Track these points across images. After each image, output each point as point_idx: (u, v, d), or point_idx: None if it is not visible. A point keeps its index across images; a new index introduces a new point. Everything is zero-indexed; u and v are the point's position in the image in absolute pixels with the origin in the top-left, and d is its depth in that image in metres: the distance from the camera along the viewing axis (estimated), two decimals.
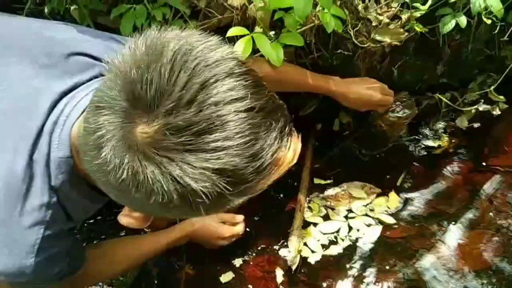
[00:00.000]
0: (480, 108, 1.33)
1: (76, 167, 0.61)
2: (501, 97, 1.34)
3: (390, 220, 1.19)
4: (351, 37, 1.15)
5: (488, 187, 1.23)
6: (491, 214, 1.18)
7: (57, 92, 0.62)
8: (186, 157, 0.42)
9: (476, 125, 1.34)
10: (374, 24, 1.17)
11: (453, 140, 1.32)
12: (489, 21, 1.09)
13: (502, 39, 1.19)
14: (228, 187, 0.44)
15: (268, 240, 1.20)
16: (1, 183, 0.59)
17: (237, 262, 1.15)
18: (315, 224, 1.20)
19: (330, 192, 1.26)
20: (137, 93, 0.43)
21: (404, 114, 1.18)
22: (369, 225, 1.18)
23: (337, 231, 1.18)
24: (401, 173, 1.28)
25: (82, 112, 0.59)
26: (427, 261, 1.10)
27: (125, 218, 0.55)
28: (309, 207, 1.24)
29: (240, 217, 1.13)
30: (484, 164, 1.28)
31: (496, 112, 1.33)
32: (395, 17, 1.18)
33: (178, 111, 0.42)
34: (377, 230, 1.17)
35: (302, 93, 1.37)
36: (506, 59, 1.34)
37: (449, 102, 1.33)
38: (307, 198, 1.25)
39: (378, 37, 1.19)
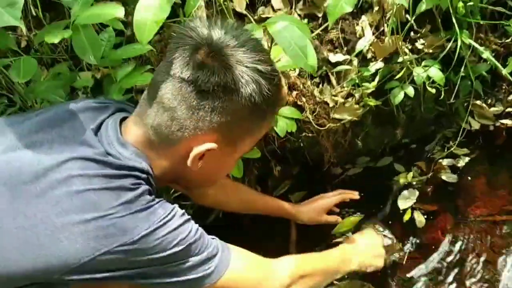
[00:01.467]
0: (444, 163, 1.40)
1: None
2: (464, 149, 1.41)
3: None
4: (311, 122, 1.23)
5: (467, 238, 1.27)
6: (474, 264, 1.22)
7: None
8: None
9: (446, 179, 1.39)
10: (331, 105, 1.25)
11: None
12: (433, 90, 1.19)
13: (449, 102, 1.29)
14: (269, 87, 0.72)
15: None
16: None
17: None
18: None
19: None
20: None
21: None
22: None
23: None
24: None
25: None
26: None
27: None
28: None
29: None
30: (460, 216, 1.32)
31: (461, 164, 1.39)
32: (349, 95, 1.27)
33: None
34: None
35: (276, 175, 1.43)
36: (458, 113, 1.44)
37: (415, 179, 1.39)
38: None
39: (337, 116, 1.27)
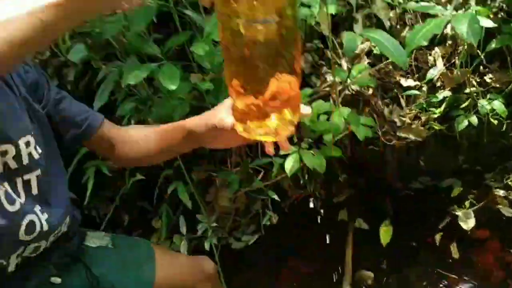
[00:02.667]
0: (500, 194, 1.49)
1: None
2: None
3: None
4: (379, 136, 1.38)
5: None
6: None
7: None
8: None
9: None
10: (398, 124, 1.40)
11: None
12: (496, 121, 1.30)
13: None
14: None
15: None
16: None
17: None
18: None
19: None
20: None
21: None
22: None
23: None
24: None
25: None
26: None
27: None
28: None
29: None
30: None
31: None
32: (416, 118, 1.41)
33: None
34: None
35: (341, 181, 1.59)
36: None
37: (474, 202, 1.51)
38: None
39: (402, 135, 1.41)
